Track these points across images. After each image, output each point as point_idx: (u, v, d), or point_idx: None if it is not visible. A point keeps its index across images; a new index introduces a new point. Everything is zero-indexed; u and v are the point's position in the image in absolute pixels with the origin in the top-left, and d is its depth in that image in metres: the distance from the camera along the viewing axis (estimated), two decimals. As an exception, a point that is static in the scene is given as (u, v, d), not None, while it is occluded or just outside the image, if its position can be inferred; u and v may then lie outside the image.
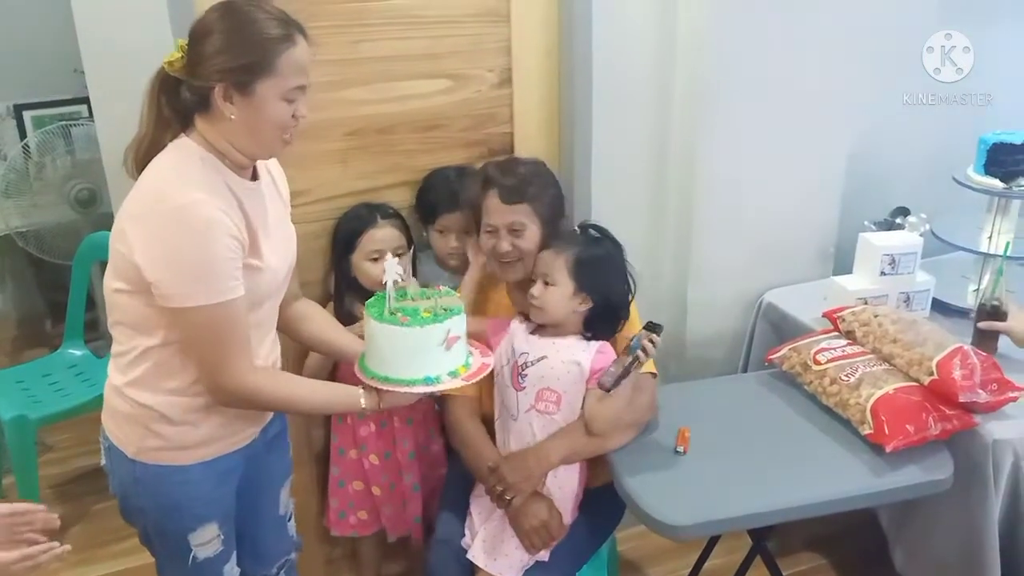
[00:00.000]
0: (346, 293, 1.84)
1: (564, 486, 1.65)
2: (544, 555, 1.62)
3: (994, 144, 2.00)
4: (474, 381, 1.45)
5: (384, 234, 1.79)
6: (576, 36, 1.94)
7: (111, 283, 1.32)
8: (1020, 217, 2.08)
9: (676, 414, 1.73)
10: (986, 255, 2.04)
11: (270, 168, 1.47)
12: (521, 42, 1.95)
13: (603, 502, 1.70)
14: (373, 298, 1.46)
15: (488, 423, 1.73)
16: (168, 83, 1.31)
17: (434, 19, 1.86)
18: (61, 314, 2.69)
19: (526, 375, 1.62)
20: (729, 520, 1.54)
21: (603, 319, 1.66)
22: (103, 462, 1.45)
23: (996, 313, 1.83)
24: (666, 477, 1.59)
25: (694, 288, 2.22)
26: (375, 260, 1.76)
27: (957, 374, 1.62)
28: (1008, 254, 1.92)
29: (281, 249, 1.42)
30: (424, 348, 1.39)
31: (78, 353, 2.65)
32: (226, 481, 1.44)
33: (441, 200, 1.86)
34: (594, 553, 1.77)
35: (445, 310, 1.40)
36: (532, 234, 1.67)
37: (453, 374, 1.42)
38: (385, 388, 1.40)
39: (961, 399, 1.60)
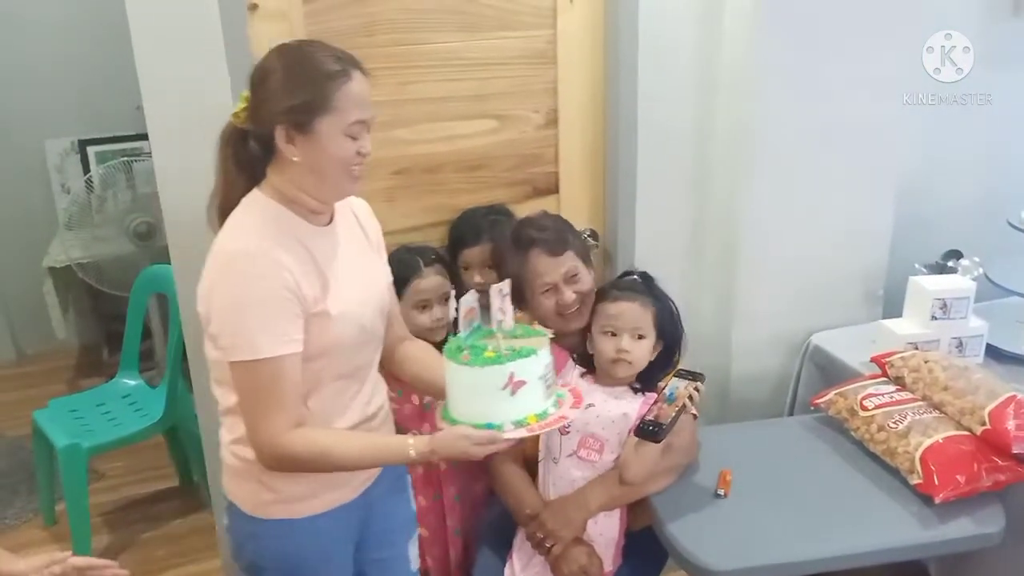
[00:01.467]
0: None
1: (605, 532, 1.63)
2: None
3: (1049, 186, 1.95)
4: (538, 432, 1.34)
5: (429, 283, 1.76)
6: (621, 79, 1.97)
7: (206, 342, 1.31)
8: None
9: (718, 456, 1.71)
10: (1043, 300, 1.99)
11: (355, 209, 1.46)
12: (567, 84, 1.99)
13: (647, 546, 1.66)
14: (460, 334, 1.38)
15: (531, 464, 1.71)
16: (235, 136, 1.32)
17: (482, 61, 1.91)
18: (118, 344, 2.78)
19: (572, 420, 1.54)
20: (771, 567, 1.50)
21: (661, 368, 1.64)
22: (224, 521, 1.44)
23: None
24: (707, 520, 1.56)
25: (738, 329, 2.20)
26: (424, 308, 1.75)
27: (1011, 424, 1.57)
28: (1065, 300, 1.87)
29: (361, 292, 1.37)
30: (485, 391, 1.29)
31: (132, 383, 2.72)
32: (342, 535, 1.41)
33: (465, 235, 1.89)
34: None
35: (513, 351, 1.29)
36: (585, 276, 1.69)
37: (519, 423, 1.28)
38: (443, 427, 1.31)
39: (1015, 450, 1.55)
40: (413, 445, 1.30)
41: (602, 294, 1.66)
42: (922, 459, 1.58)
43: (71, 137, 3.39)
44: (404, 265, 1.79)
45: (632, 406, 1.60)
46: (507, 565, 1.68)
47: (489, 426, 1.28)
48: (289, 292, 1.24)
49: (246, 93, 1.31)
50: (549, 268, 1.66)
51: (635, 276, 1.70)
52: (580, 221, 2.14)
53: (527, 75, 1.96)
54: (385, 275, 1.48)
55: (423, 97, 1.87)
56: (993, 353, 2.02)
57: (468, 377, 1.30)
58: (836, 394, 1.83)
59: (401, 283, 1.77)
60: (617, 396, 1.61)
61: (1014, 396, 1.63)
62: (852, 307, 2.24)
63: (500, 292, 1.36)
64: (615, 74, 1.98)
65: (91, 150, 3.35)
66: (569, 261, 1.68)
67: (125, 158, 3.04)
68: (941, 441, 1.60)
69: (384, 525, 1.49)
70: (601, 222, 2.14)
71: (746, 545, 1.51)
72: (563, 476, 1.62)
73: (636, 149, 2.01)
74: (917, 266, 2.11)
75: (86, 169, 3.26)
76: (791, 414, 2.19)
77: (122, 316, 2.73)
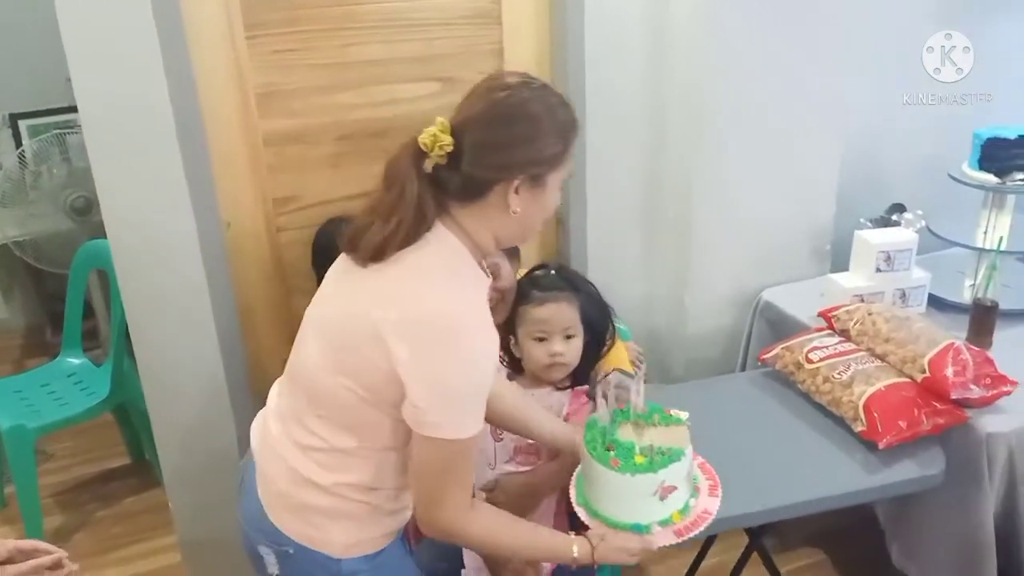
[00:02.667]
0: None
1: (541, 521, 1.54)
2: None
3: (988, 139, 1.99)
4: (686, 538, 1.30)
5: None
6: (568, 41, 1.95)
7: (335, 377, 1.17)
8: (1016, 212, 2.08)
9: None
10: (981, 250, 2.04)
11: None
12: (513, 46, 1.96)
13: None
14: (591, 419, 1.36)
15: None
16: (427, 168, 1.15)
17: (425, 22, 1.87)
18: (62, 323, 2.70)
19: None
20: (722, 520, 1.53)
21: (590, 359, 1.60)
22: (274, 571, 1.26)
23: (991, 309, 1.83)
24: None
25: (692, 289, 2.22)
26: None
27: (949, 371, 1.62)
28: (1002, 249, 1.92)
29: None
30: (633, 496, 1.28)
31: (76, 362, 2.65)
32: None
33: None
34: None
35: (662, 454, 1.28)
36: (507, 274, 1.53)
37: (665, 522, 1.30)
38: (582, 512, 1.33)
39: (953, 396, 1.60)
40: (577, 547, 1.28)
41: (524, 296, 1.55)
42: (865, 407, 1.62)
43: (1, 111, 3.25)
44: (335, 244, 1.71)
45: (562, 401, 1.57)
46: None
47: (636, 526, 1.29)
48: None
49: (446, 123, 1.14)
50: None
51: (551, 271, 1.61)
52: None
53: (471, 36, 1.92)
54: None
55: (366, 59, 1.83)
56: (935, 303, 2.08)
57: (618, 481, 1.28)
58: (783, 348, 1.87)
59: (331, 262, 1.71)
60: (547, 396, 1.57)
61: (952, 343, 1.68)
62: (802, 263, 2.28)
63: (638, 377, 1.39)
64: (561, 36, 1.96)
65: (23, 124, 3.21)
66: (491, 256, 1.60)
67: (59, 131, 2.92)
68: (883, 389, 1.64)
69: None
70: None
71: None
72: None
73: (584, 112, 1.99)
74: (862, 220, 2.15)
75: (18, 143, 3.13)
76: (743, 370, 2.22)
77: (65, 294, 2.65)
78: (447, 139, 1.13)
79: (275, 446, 1.26)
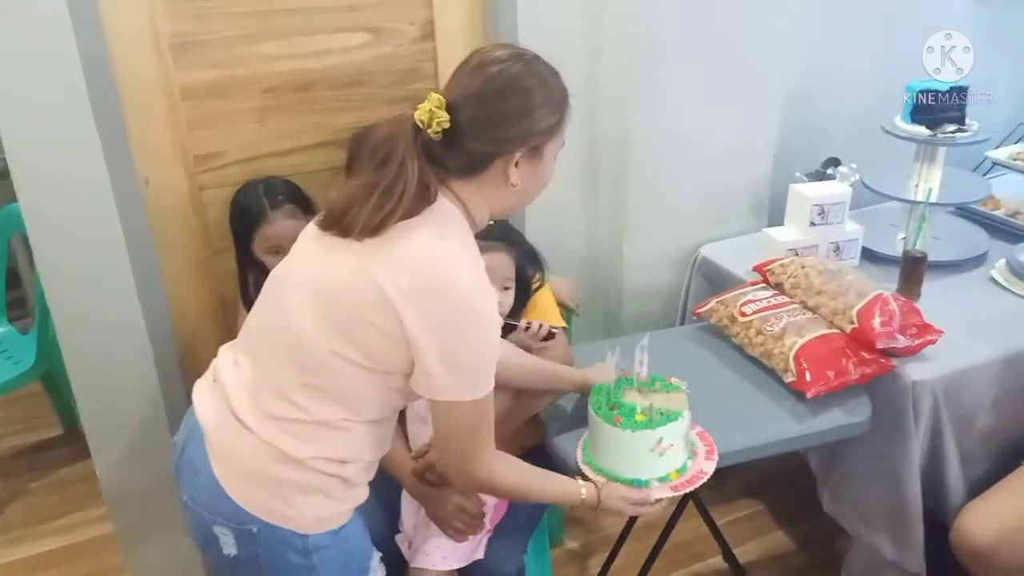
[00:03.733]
0: (250, 274, 1.75)
1: None
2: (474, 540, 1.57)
3: (920, 91, 2.00)
4: (682, 492, 1.41)
5: (277, 229, 1.66)
6: (498, -13, 1.90)
7: (331, 344, 1.15)
8: (948, 165, 2.11)
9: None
10: (913, 203, 2.06)
11: None
12: (444, -7, 1.90)
13: (544, 463, 1.67)
14: (597, 385, 1.47)
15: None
16: (425, 145, 1.14)
17: (350, -31, 1.80)
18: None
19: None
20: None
21: (515, 308, 1.63)
22: (231, 552, 1.22)
23: (919, 260, 1.85)
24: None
25: (630, 243, 2.21)
26: (276, 253, 1.64)
27: (876, 322, 1.64)
28: (932, 201, 1.95)
29: None
30: (634, 451, 1.39)
31: (1, 330, 2.56)
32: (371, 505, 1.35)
33: (251, 212, 1.71)
34: (544, 510, 1.77)
35: (661, 414, 1.39)
36: None
37: (663, 479, 1.40)
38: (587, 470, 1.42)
39: (879, 345, 1.63)
40: (585, 491, 1.37)
41: None
42: (795, 358, 1.64)
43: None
44: (253, 206, 1.69)
45: None
46: (400, 533, 1.64)
47: (636, 481, 1.39)
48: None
49: (440, 96, 1.13)
50: None
51: (489, 221, 1.63)
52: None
53: (401, -17, 1.86)
54: None
55: (290, 8, 1.75)
56: (869, 256, 2.10)
57: (618, 437, 1.39)
58: (717, 302, 1.87)
59: (251, 228, 1.69)
60: None
61: (880, 294, 1.70)
62: (740, 218, 2.29)
63: (641, 347, 1.48)
64: (492, -18, 1.91)
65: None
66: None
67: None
68: (813, 340, 1.66)
69: None
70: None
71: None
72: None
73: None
74: (798, 174, 2.15)
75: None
76: (683, 325, 2.23)
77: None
78: (444, 115, 1.12)
79: (244, 420, 1.19)
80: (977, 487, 1.72)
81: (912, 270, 1.87)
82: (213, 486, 1.20)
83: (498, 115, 1.15)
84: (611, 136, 2.13)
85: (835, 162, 2.19)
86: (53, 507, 2.43)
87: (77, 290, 1.72)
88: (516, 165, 1.17)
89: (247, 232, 1.71)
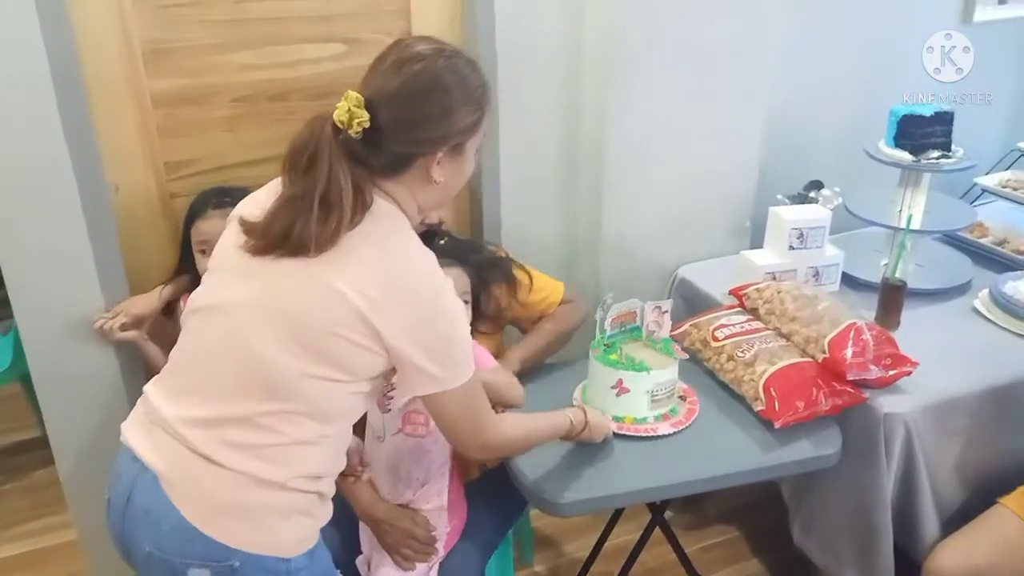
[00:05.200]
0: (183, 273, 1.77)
1: (431, 501, 1.55)
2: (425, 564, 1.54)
3: (904, 116, 1.97)
4: (628, 432, 1.55)
5: (210, 226, 1.64)
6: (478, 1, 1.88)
7: (304, 366, 1.12)
8: (935, 190, 2.07)
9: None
10: (895, 229, 2.03)
11: None
12: (421, 6, 1.88)
13: (506, 481, 1.64)
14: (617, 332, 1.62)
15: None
16: (346, 145, 1.12)
17: (325, -23, 1.78)
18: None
19: (391, 396, 1.49)
20: (612, 497, 1.52)
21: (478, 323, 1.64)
22: None
23: (899, 288, 1.82)
24: (558, 454, 1.54)
25: (607, 260, 2.18)
26: (202, 252, 1.66)
27: (848, 352, 1.60)
28: (913, 228, 1.91)
29: None
30: (599, 385, 1.58)
31: (-22, 330, 2.55)
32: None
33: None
34: (506, 532, 1.75)
35: (631, 361, 1.55)
36: None
37: (618, 419, 1.57)
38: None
39: (850, 376, 1.59)
40: (571, 415, 1.47)
41: None
42: (765, 386, 1.60)
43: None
44: (197, 204, 1.72)
45: None
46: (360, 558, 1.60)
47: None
48: None
49: (358, 96, 1.11)
50: None
51: (440, 238, 1.62)
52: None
53: (377, -6, 1.84)
54: None
55: (263, 17, 1.74)
56: (849, 281, 2.07)
57: (591, 368, 1.60)
58: (690, 326, 1.84)
59: (189, 222, 1.72)
60: None
61: (854, 324, 1.66)
62: (720, 238, 2.25)
63: (659, 308, 1.62)
64: (472, -6, 1.89)
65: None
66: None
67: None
68: (784, 368, 1.63)
69: None
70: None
71: (593, 476, 1.50)
72: (391, 454, 1.54)
73: (496, 74, 1.92)
74: (779, 196, 2.12)
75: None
76: (660, 346, 2.20)
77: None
78: (364, 115, 1.10)
79: (208, 455, 1.14)
80: (950, 523, 1.68)
81: (891, 298, 1.83)
82: (182, 528, 1.13)
83: (419, 117, 1.13)
84: (589, 148, 2.10)
85: (818, 185, 2.16)
86: (23, 511, 2.42)
87: (42, 295, 1.71)
88: (438, 163, 1.17)
89: (187, 226, 1.72)
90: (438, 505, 1.56)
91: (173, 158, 1.77)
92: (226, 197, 1.68)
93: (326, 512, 1.25)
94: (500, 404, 1.58)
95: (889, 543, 1.65)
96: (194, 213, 1.71)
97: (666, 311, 1.63)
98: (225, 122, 1.78)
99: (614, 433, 1.56)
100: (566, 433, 1.47)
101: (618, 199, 2.12)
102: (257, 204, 1.20)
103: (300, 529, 1.20)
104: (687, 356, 1.63)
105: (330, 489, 1.24)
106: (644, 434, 1.55)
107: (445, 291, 1.16)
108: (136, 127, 1.71)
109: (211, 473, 1.14)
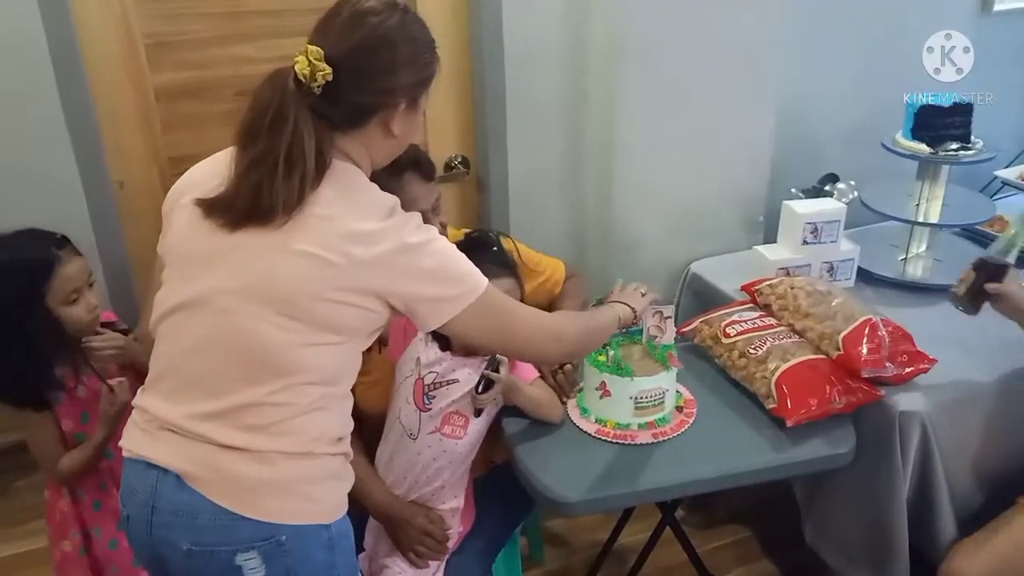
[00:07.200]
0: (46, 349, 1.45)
1: (448, 502, 1.54)
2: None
3: (922, 107, 1.92)
4: (600, 437, 1.52)
5: (74, 269, 1.44)
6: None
7: (305, 338, 1.11)
8: (953, 184, 2.02)
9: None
10: (913, 223, 1.98)
11: None
12: (425, -1, 1.86)
13: (507, 489, 1.60)
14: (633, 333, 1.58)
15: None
16: (307, 99, 1.09)
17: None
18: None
19: (434, 396, 1.48)
20: (621, 496, 1.49)
21: None
22: (259, 570, 1.14)
23: (1001, 272, 1.56)
24: (565, 452, 1.52)
25: (617, 256, 2.15)
26: (74, 302, 1.44)
27: (863, 348, 1.56)
28: (930, 222, 1.86)
29: None
30: (587, 383, 1.57)
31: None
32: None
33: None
34: (513, 530, 1.73)
35: (616, 365, 1.51)
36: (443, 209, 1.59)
37: (600, 420, 1.55)
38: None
39: (864, 374, 1.55)
40: (619, 309, 1.45)
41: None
42: (777, 384, 1.57)
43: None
44: (37, 258, 1.42)
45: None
46: (362, 555, 1.58)
47: (584, 410, 1.58)
48: None
49: (317, 50, 1.08)
50: (422, 194, 1.52)
51: (493, 246, 1.60)
52: (448, 147, 2.04)
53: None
54: None
55: (262, 9, 1.73)
56: (864, 276, 2.02)
57: (584, 366, 1.57)
58: (701, 322, 1.81)
59: (43, 278, 1.41)
60: (480, 364, 1.50)
61: (868, 320, 1.62)
62: (733, 233, 2.21)
63: (661, 313, 1.55)
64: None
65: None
66: (438, 189, 1.56)
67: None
68: (797, 365, 1.59)
69: None
70: (471, 148, 2.04)
71: (601, 474, 1.48)
72: (420, 452, 1.50)
73: (503, 68, 1.90)
74: (793, 190, 2.08)
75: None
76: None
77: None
78: (327, 67, 1.08)
79: (230, 443, 1.12)
80: (968, 523, 1.63)
81: (987, 280, 1.56)
82: (222, 517, 1.12)
83: (384, 66, 1.12)
84: (595, 142, 2.07)
85: (833, 178, 2.12)
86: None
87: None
88: (400, 115, 1.16)
89: (39, 283, 1.40)
90: (455, 506, 1.54)
91: (176, 153, 1.76)
92: (57, 235, 1.47)
93: (351, 474, 1.24)
94: (539, 418, 1.58)
95: (905, 544, 1.61)
96: (44, 270, 1.41)
97: (668, 316, 1.53)
98: (226, 116, 1.77)
99: (594, 437, 1.53)
100: (613, 327, 1.44)
101: (628, 195, 2.08)
102: (202, 183, 1.16)
103: (334, 493, 1.20)
104: (682, 366, 1.55)
105: (350, 449, 1.23)
106: (621, 441, 1.51)
107: (420, 231, 1.14)
108: (139, 123, 1.71)
109: (238, 459, 1.12)
